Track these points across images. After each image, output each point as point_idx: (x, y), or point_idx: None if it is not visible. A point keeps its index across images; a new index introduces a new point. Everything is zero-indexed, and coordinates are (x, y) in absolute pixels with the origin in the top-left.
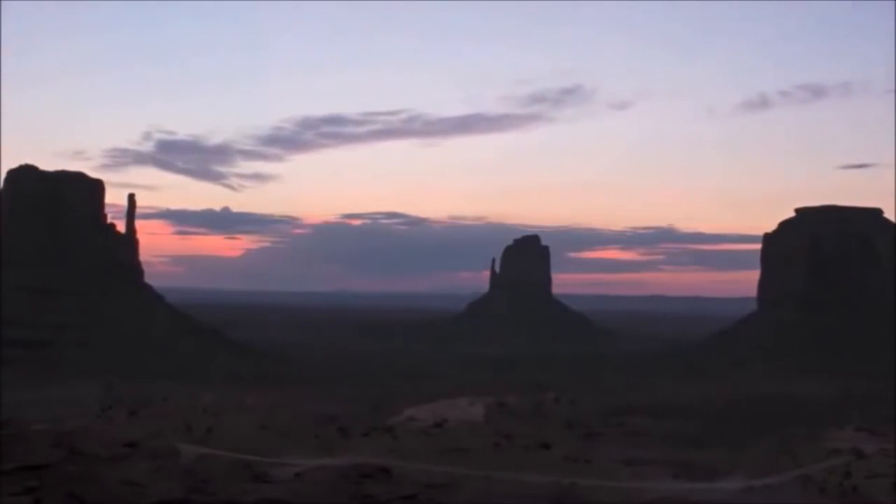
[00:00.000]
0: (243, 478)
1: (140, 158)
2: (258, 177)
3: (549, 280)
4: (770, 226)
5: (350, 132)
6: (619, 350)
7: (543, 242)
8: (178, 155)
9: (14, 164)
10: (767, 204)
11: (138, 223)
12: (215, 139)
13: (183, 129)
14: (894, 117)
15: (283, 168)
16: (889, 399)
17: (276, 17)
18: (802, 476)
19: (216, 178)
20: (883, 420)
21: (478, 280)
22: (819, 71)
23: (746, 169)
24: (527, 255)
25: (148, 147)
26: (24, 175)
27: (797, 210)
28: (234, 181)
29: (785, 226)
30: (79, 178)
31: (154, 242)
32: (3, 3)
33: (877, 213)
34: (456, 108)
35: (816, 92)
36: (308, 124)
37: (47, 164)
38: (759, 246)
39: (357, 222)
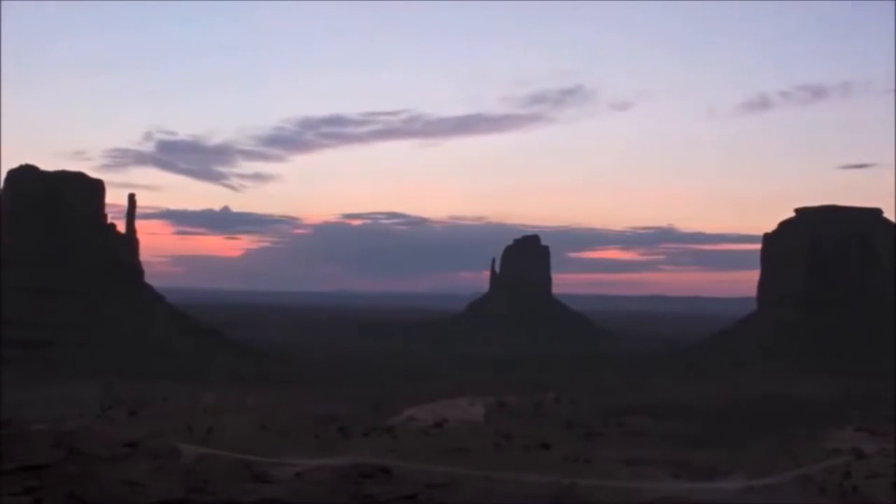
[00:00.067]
0: (243, 478)
1: (141, 159)
2: (259, 177)
3: (549, 280)
4: (770, 226)
5: (350, 132)
6: (619, 350)
7: (543, 242)
8: (179, 155)
9: (15, 165)
10: (767, 204)
11: (138, 223)
12: (216, 139)
13: (184, 129)
14: (894, 117)
15: (283, 168)
16: (889, 399)
17: (277, 17)
18: (802, 476)
19: (217, 178)
20: (883, 420)
21: (478, 280)
22: (819, 71)
23: (746, 169)
24: (527, 255)
25: (149, 147)
26: (25, 175)
27: (797, 210)
28: (235, 181)
29: (785, 226)
30: (79, 178)
31: (154, 242)
32: (3, 3)
33: (877, 213)
34: (456, 109)
35: (817, 92)
36: (308, 124)
37: (48, 165)
38: (759, 246)
39: (357, 222)
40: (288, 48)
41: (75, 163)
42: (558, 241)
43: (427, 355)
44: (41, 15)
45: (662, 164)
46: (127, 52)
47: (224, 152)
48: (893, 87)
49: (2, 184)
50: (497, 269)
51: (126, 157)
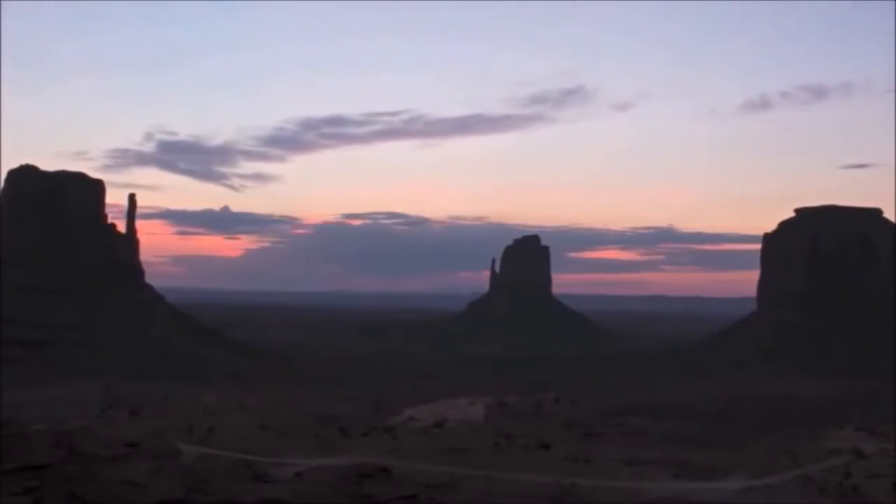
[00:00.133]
0: (244, 478)
1: (142, 159)
2: (259, 177)
3: (549, 280)
4: (770, 226)
5: (351, 133)
6: (619, 350)
7: (543, 242)
8: (180, 155)
9: (16, 165)
10: (767, 204)
11: (139, 223)
12: (217, 140)
13: (184, 129)
14: (894, 117)
15: (284, 168)
16: (889, 399)
17: (278, 18)
18: (802, 476)
19: (217, 178)
20: (883, 420)
21: (478, 280)
22: (820, 71)
23: (747, 169)
24: (527, 255)
25: (149, 147)
26: (25, 175)
27: (797, 210)
28: (236, 182)
29: (785, 226)
30: (79, 178)
31: (154, 242)
32: (4, 3)
33: (877, 213)
34: (457, 109)
35: (817, 92)
36: (309, 125)
37: (49, 165)
38: (759, 246)
39: (357, 222)
40: (289, 49)
41: (76, 163)
42: (558, 241)
43: (427, 355)
44: (42, 15)
45: (663, 164)
46: (128, 53)
47: (225, 153)
48: (893, 87)
49: (2, 184)
50: (497, 269)
51: (127, 158)
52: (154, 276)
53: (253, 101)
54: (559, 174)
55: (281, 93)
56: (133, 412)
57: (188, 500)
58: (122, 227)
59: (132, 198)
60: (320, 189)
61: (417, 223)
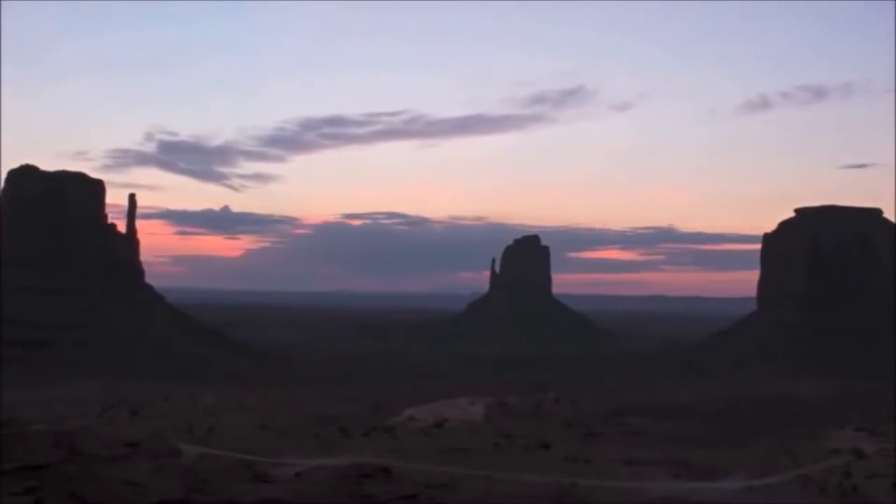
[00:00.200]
0: (244, 478)
1: (142, 159)
2: (260, 177)
3: (549, 280)
4: (770, 226)
5: (352, 133)
6: (619, 350)
7: (543, 242)
8: (181, 156)
9: (16, 165)
10: (767, 204)
11: (139, 223)
12: (217, 140)
13: (185, 129)
14: (894, 117)
15: (284, 169)
16: (889, 399)
17: (279, 18)
18: (802, 476)
19: (218, 178)
20: (883, 420)
21: (478, 280)
22: (820, 72)
23: (747, 169)
24: (527, 255)
25: (150, 148)
26: (25, 175)
27: (797, 210)
28: (236, 182)
29: (785, 226)
30: (79, 178)
31: (155, 242)
32: (4, 3)
33: (877, 213)
34: (457, 110)
35: (817, 93)
36: (310, 125)
37: (50, 165)
38: (759, 246)
39: (357, 222)
40: (289, 49)
41: (77, 163)
42: (558, 241)
43: (427, 355)
44: (42, 15)
45: (663, 164)
46: (129, 53)
47: (225, 153)
48: (893, 88)
49: (2, 184)
50: (497, 269)
51: (127, 158)
52: (154, 276)
53: (253, 102)
54: (559, 174)
55: (281, 93)
56: (133, 412)
57: (188, 500)
58: (122, 227)
59: (132, 198)
60: (320, 189)
61: (417, 223)
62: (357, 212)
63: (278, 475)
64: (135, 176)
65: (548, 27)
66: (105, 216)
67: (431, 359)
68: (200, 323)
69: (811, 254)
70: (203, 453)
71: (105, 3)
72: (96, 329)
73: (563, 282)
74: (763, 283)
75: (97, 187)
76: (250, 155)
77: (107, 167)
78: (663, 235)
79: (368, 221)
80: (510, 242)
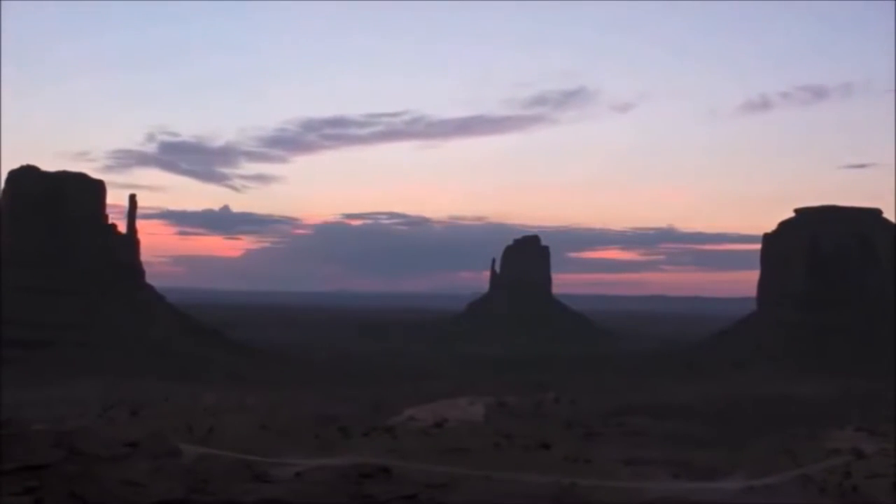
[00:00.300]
0: (244, 477)
1: (144, 160)
2: (261, 178)
3: (549, 280)
4: (770, 226)
5: (353, 134)
6: (619, 350)
7: (543, 242)
8: (182, 156)
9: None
10: (767, 204)
11: (139, 224)
12: (219, 141)
13: (186, 130)
14: (894, 117)
15: (285, 169)
16: (889, 399)
17: (280, 18)
18: (802, 476)
19: (219, 179)
20: (883, 420)
21: (478, 280)
22: (820, 72)
23: (747, 169)
24: (527, 255)
25: (151, 148)
26: (25, 175)
27: (797, 210)
28: (237, 182)
29: (785, 226)
30: (80, 178)
31: (155, 243)
32: (4, 3)
33: (877, 213)
34: (458, 110)
35: (818, 93)
36: (311, 126)
37: (51, 166)
38: (759, 246)
39: (357, 222)
40: (291, 50)
41: (78, 164)
42: (558, 241)
43: (427, 355)
44: (42, 15)
45: (663, 164)
46: (130, 54)
47: (227, 153)
48: (894, 88)
49: (2, 184)
50: (497, 269)
51: (129, 158)
52: (154, 277)
53: (255, 102)
54: (559, 174)
55: (283, 94)
56: (133, 412)
57: (188, 500)
58: (122, 227)
59: (132, 198)
60: (321, 189)
61: (417, 223)
62: (357, 212)
63: (278, 475)
64: (136, 176)
65: (549, 28)
66: (105, 216)
67: (431, 359)
68: (200, 323)
69: (811, 254)
70: (203, 453)
71: (105, 3)
72: (96, 329)
73: (563, 282)
74: (763, 283)
75: (97, 187)
76: (252, 155)
77: (108, 168)
78: (663, 235)
79: (369, 221)
80: (510, 242)
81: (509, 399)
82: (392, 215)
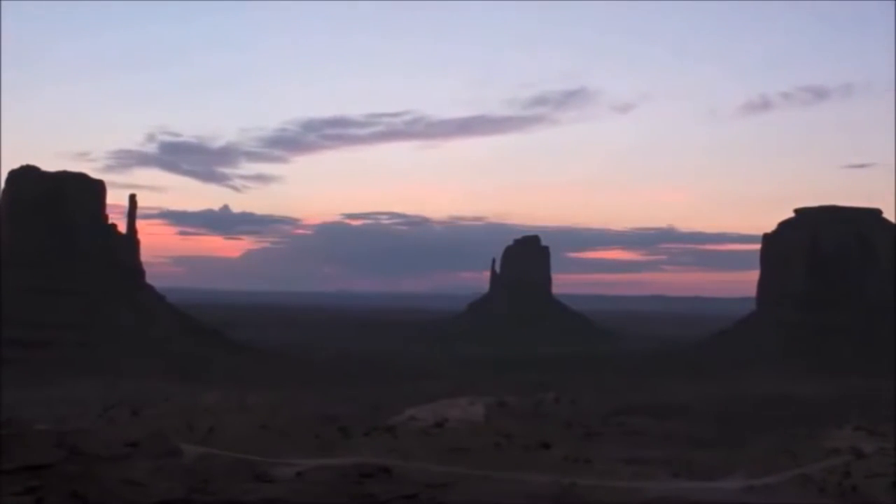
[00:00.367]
0: (244, 477)
1: (144, 160)
2: (261, 178)
3: (549, 280)
4: (770, 226)
5: (353, 134)
6: (619, 350)
7: (543, 242)
8: (183, 156)
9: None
10: (767, 204)
11: (140, 224)
12: (219, 141)
13: (187, 130)
14: (895, 117)
15: (286, 169)
16: (889, 399)
17: (280, 18)
18: (802, 475)
19: (220, 179)
20: (883, 420)
21: (478, 280)
22: (821, 72)
23: (747, 169)
24: (527, 255)
25: (152, 149)
26: (25, 175)
27: (797, 210)
28: (238, 182)
29: (785, 226)
30: (80, 178)
31: (156, 243)
32: (4, 3)
33: (877, 213)
34: (459, 111)
35: (818, 93)
36: (312, 126)
37: (52, 166)
38: (759, 246)
39: (357, 222)
40: (291, 50)
41: (79, 164)
42: (558, 241)
43: (427, 355)
44: (43, 15)
45: (663, 164)
46: (130, 54)
47: (227, 154)
48: (894, 88)
49: (2, 184)
50: (497, 269)
51: (130, 159)
52: (155, 277)
53: (256, 103)
54: (560, 174)
55: (283, 94)
56: (134, 412)
57: (189, 500)
58: (123, 227)
59: (132, 198)
60: (321, 189)
61: (417, 223)
62: (357, 212)
63: (279, 475)
64: (137, 177)
65: (550, 28)
66: (106, 217)
67: (431, 359)
68: (200, 323)
69: (811, 254)
70: (203, 453)
71: (105, 3)
72: (96, 329)
73: (563, 282)
74: (763, 283)
75: (98, 188)
76: (252, 156)
77: (109, 168)
78: (663, 235)
79: (369, 221)
80: (510, 242)
81: (509, 399)
82: (392, 215)
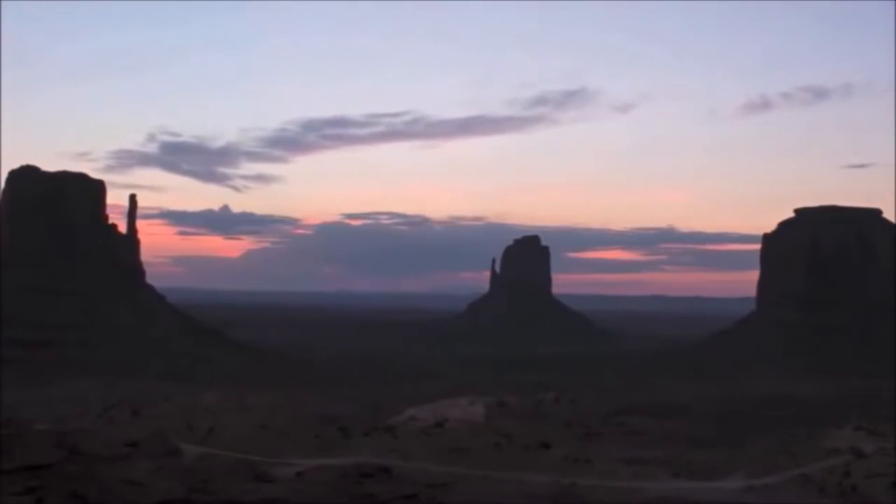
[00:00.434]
0: (244, 477)
1: (145, 160)
2: (262, 178)
3: (549, 280)
4: (770, 226)
5: (353, 134)
6: (619, 350)
7: (543, 242)
8: (183, 157)
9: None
10: (767, 204)
11: (140, 224)
12: (220, 141)
13: (187, 130)
14: (895, 117)
15: (286, 169)
16: (889, 399)
17: (280, 18)
18: (802, 475)
19: (220, 179)
20: (883, 420)
21: (478, 280)
22: (821, 72)
23: (747, 169)
24: (527, 255)
25: (153, 149)
26: (25, 175)
27: (797, 210)
28: (238, 182)
29: (784, 226)
30: (80, 178)
31: (156, 243)
32: (4, 3)
33: (877, 213)
34: (459, 111)
35: (818, 93)
36: (312, 126)
37: (52, 166)
38: (759, 246)
39: (357, 222)
40: (291, 50)
41: (80, 164)
42: (558, 241)
43: (427, 355)
44: (44, 16)
45: (663, 164)
46: (130, 54)
47: (227, 154)
48: (894, 88)
49: (3, 184)
50: (497, 269)
51: (130, 159)
52: (155, 277)
53: (256, 103)
54: (560, 174)
55: (283, 94)
56: (134, 412)
57: (189, 500)
58: (123, 227)
59: (133, 198)
60: (321, 189)
61: (417, 223)
62: (357, 212)
63: (279, 475)
64: (137, 177)
65: (550, 28)
66: (106, 216)
67: (431, 359)
68: (200, 323)
69: (811, 254)
70: (203, 453)
71: (105, 3)
72: (96, 329)
73: (563, 282)
74: (763, 283)
75: (98, 188)
76: (252, 156)
77: (110, 168)
78: (663, 235)
79: (369, 221)
80: (510, 242)
81: (509, 399)
82: (392, 215)
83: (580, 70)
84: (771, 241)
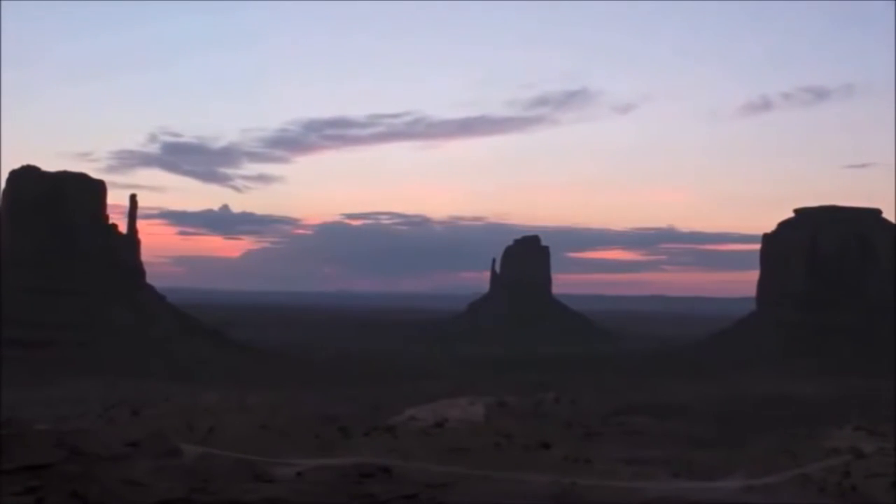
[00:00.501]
0: (245, 477)
1: (146, 160)
2: (262, 178)
3: (549, 280)
4: (770, 226)
5: (354, 134)
6: (619, 350)
7: (543, 242)
8: (184, 157)
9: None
10: (767, 204)
11: (140, 224)
12: (221, 141)
13: (188, 131)
14: (895, 117)
15: (287, 170)
16: (889, 399)
17: (281, 18)
18: (802, 475)
19: (221, 179)
20: (883, 420)
21: (478, 280)
22: (821, 72)
23: (747, 170)
24: (527, 255)
25: (153, 149)
26: (26, 176)
27: (797, 210)
28: (239, 183)
29: (784, 226)
30: (81, 178)
31: (156, 243)
32: (4, 3)
33: (877, 213)
34: (460, 111)
35: (819, 94)
36: (313, 126)
37: (53, 166)
38: (759, 246)
39: (357, 222)
40: (292, 50)
41: (81, 164)
42: (558, 241)
43: (427, 355)
44: (44, 16)
45: (664, 164)
46: (131, 54)
47: (228, 154)
48: (894, 88)
49: (3, 184)
50: (497, 269)
51: (132, 159)
52: (155, 277)
53: (257, 103)
54: (560, 174)
55: (284, 95)
56: (134, 412)
57: (189, 500)
58: (123, 227)
59: (133, 198)
60: (322, 189)
61: (417, 223)
62: (357, 212)
63: (279, 475)
64: (138, 177)
65: (550, 29)
66: (106, 217)
67: (431, 359)
68: (200, 323)
69: (811, 254)
70: (204, 453)
71: (105, 3)
72: (96, 329)
73: (563, 282)
74: (763, 283)
75: (98, 188)
76: (253, 156)
77: (111, 168)
78: (663, 235)
79: (369, 221)
80: (510, 242)
81: (509, 399)
82: (392, 215)
83: (581, 70)
84: (771, 241)
